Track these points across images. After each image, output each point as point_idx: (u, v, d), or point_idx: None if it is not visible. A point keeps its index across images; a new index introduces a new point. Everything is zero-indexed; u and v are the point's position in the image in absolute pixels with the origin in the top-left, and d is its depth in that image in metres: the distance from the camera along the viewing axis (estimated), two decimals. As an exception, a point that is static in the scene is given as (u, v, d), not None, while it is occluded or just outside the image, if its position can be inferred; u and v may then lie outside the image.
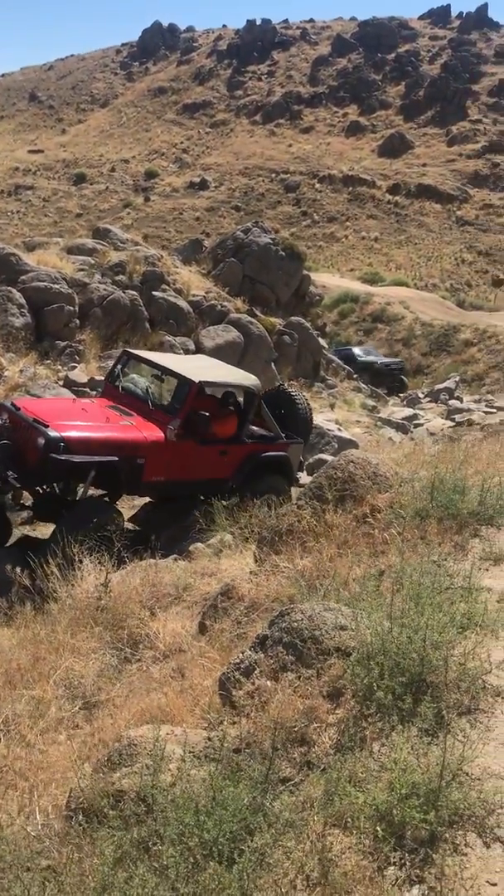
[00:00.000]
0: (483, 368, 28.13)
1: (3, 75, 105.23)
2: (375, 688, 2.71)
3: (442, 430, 18.50)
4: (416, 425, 19.55)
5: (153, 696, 3.70)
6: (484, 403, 22.93)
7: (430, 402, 24.27)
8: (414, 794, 2.24)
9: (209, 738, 2.82)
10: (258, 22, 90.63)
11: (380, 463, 5.29)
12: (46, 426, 6.86)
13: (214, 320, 16.98)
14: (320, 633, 3.09)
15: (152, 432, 7.51)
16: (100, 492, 7.69)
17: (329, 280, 36.33)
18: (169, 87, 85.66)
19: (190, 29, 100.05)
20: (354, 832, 2.23)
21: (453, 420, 20.29)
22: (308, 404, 9.89)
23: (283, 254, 21.21)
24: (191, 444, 7.79)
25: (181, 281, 17.33)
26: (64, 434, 6.84)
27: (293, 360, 19.36)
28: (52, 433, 6.79)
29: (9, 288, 13.31)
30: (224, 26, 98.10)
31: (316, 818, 2.29)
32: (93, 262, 15.91)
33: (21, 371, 11.82)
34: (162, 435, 7.53)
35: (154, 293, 16.08)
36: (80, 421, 7.27)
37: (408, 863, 2.14)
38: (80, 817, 2.58)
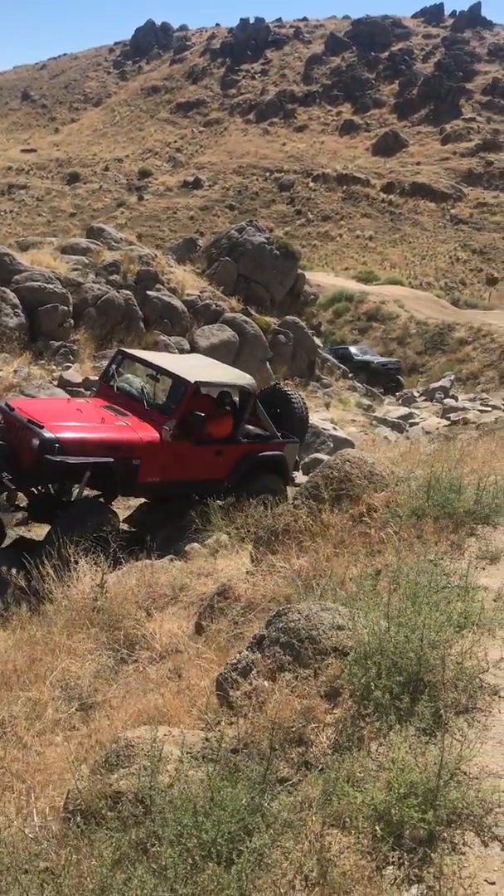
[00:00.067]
0: (478, 367, 28.18)
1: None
2: (373, 687, 2.71)
3: (437, 428, 18.54)
4: (412, 424, 19.59)
5: (150, 697, 3.70)
6: (479, 402, 22.98)
7: (425, 400, 24.31)
8: (412, 794, 2.24)
9: (207, 739, 2.82)
10: (251, 20, 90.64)
11: (376, 462, 5.30)
12: (41, 427, 6.84)
13: (209, 320, 16.97)
14: (317, 632, 3.09)
15: (148, 433, 7.49)
16: (95, 492, 7.68)
17: (324, 279, 36.36)
18: (162, 85, 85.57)
19: (183, 28, 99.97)
20: (353, 832, 2.23)
21: (448, 419, 20.33)
22: (304, 403, 9.88)
23: (278, 253, 21.22)
24: (186, 444, 7.77)
25: (176, 280, 17.33)
26: (59, 435, 6.82)
27: (288, 359, 19.38)
28: (47, 434, 6.76)
29: (3, 288, 13.28)
30: (217, 25, 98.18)
31: (314, 818, 2.29)
32: (87, 261, 15.89)
33: (15, 371, 11.80)
34: (157, 435, 7.50)
35: (148, 293, 16.06)
36: (75, 421, 7.25)
37: (406, 862, 2.14)
38: (78, 819, 2.58)
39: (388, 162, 66.23)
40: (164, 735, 2.82)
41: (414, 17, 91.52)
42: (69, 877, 2.27)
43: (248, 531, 5.82)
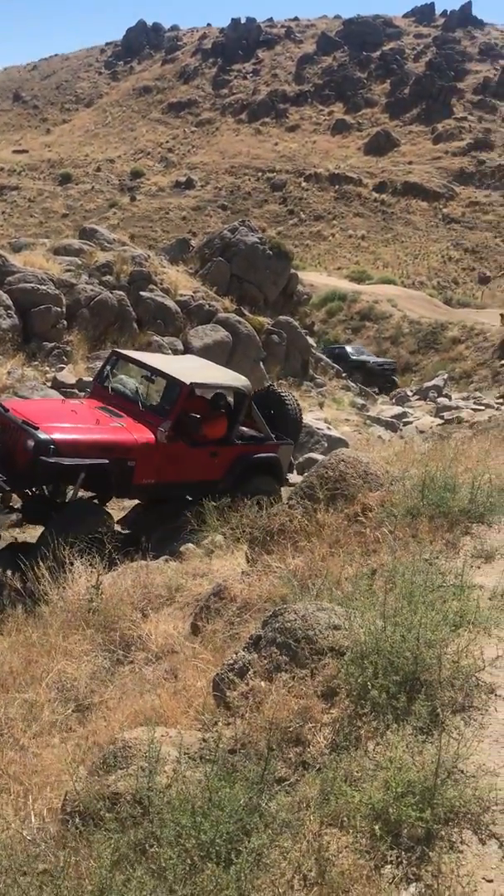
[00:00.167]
0: (471, 366, 28.26)
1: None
2: (370, 687, 2.72)
3: (431, 427, 18.59)
4: (405, 423, 19.63)
5: (147, 698, 3.70)
6: (472, 401, 23.03)
7: (418, 399, 24.36)
8: (410, 793, 2.25)
9: (204, 740, 2.82)
10: (243, 20, 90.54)
11: (370, 462, 5.31)
12: (36, 428, 6.82)
13: (202, 320, 16.97)
14: (314, 632, 3.10)
15: (143, 434, 7.48)
16: (89, 494, 7.67)
17: (316, 279, 36.40)
18: (154, 86, 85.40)
19: (174, 28, 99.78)
20: (351, 831, 2.24)
21: (442, 418, 20.36)
22: (298, 405, 9.88)
23: (271, 253, 21.23)
24: (181, 445, 7.77)
25: (169, 281, 17.32)
26: (54, 436, 6.80)
27: (282, 359, 19.39)
28: (42, 435, 6.75)
29: (-5, 289, 13.27)
30: (209, 25, 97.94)
31: (312, 818, 2.29)
32: (80, 262, 15.87)
33: (9, 373, 11.78)
34: (152, 437, 7.50)
35: (141, 293, 16.05)
36: (69, 423, 7.23)
37: (404, 861, 2.15)
38: (76, 820, 2.57)
39: (380, 161, 66.29)
40: (162, 736, 2.82)
41: (405, 16, 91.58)
42: (68, 878, 2.27)
43: (244, 531, 5.82)
